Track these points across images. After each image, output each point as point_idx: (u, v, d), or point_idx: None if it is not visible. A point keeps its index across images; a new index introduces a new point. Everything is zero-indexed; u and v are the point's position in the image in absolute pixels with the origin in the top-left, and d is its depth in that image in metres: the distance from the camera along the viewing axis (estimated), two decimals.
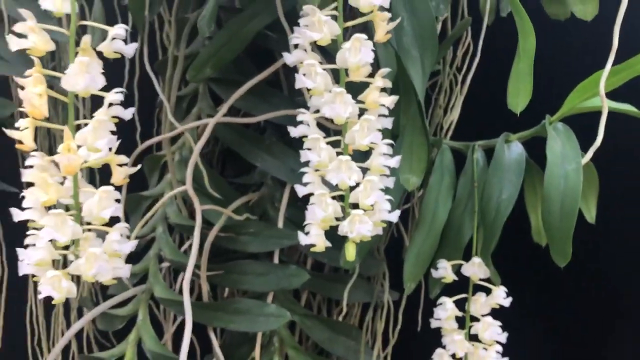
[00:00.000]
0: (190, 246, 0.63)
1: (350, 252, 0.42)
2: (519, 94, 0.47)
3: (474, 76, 0.66)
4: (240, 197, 0.60)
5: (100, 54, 0.38)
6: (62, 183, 0.38)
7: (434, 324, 0.56)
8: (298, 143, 0.59)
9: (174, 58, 0.60)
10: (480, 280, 0.55)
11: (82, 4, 0.61)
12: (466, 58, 0.65)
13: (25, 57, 0.60)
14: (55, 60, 0.67)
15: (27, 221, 0.37)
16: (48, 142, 0.72)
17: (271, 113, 0.55)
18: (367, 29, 0.43)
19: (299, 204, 0.62)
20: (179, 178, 0.59)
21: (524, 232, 0.64)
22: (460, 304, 0.56)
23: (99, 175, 0.63)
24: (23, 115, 0.37)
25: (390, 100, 0.40)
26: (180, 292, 0.59)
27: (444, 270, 0.56)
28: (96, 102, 0.39)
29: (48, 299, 0.72)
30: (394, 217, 0.41)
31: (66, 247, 0.37)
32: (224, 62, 0.55)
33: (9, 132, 0.37)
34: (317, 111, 0.41)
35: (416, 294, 0.68)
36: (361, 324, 0.70)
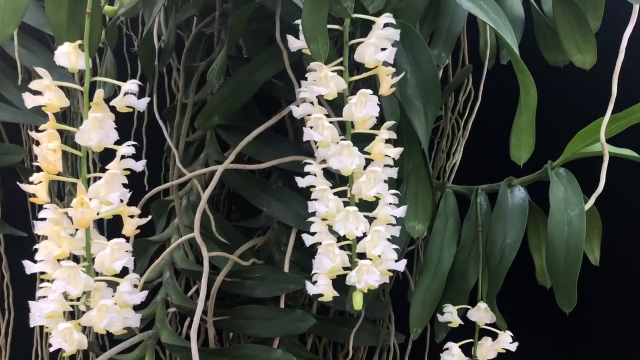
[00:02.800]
0: (196, 291, 0.64)
1: (357, 301, 0.42)
2: (521, 147, 0.48)
3: (475, 120, 0.68)
4: (246, 241, 0.61)
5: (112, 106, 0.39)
6: (73, 235, 0.39)
7: None
8: (304, 188, 0.61)
9: (182, 105, 0.62)
10: (486, 325, 0.56)
11: (94, 55, 0.62)
12: (467, 103, 0.67)
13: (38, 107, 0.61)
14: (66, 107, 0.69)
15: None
16: (57, 185, 0.73)
17: (278, 159, 0.56)
18: (372, 80, 0.45)
19: (305, 248, 0.63)
20: (187, 223, 0.60)
21: (528, 274, 0.64)
22: (467, 348, 0.56)
23: (106, 224, 0.64)
24: (36, 168, 0.38)
25: (396, 152, 0.41)
26: (187, 337, 0.59)
27: (450, 315, 0.56)
28: (105, 151, 0.40)
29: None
30: (401, 266, 0.42)
31: (77, 299, 0.38)
32: (232, 111, 0.57)
33: (24, 187, 0.38)
34: (324, 161, 0.42)
35: (422, 337, 0.68)
36: None
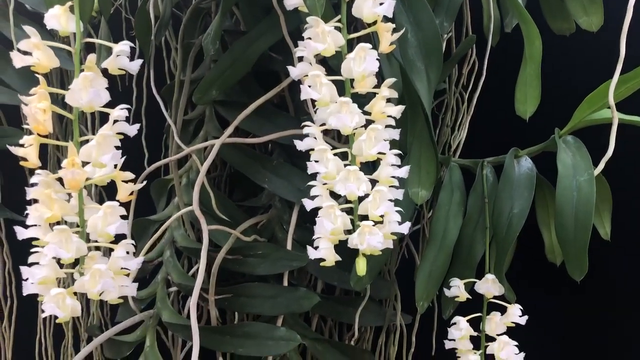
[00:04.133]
0: (197, 270, 0.62)
1: (360, 267, 0.41)
2: (526, 100, 0.47)
3: (479, 94, 0.66)
4: (248, 220, 0.60)
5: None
6: (67, 201, 0.38)
7: (448, 344, 0.55)
8: (304, 164, 0.59)
9: (180, 83, 0.60)
10: (495, 298, 0.54)
11: (89, 29, 0.61)
12: (472, 76, 0.65)
13: (33, 86, 0.61)
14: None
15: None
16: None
17: (278, 133, 0.55)
18: (370, 42, 0.43)
19: (308, 226, 0.62)
20: (187, 201, 0.59)
21: (538, 252, 0.63)
22: (475, 324, 0.55)
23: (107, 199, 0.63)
24: (27, 131, 0.37)
25: (397, 110, 0.40)
26: (189, 317, 0.58)
27: (457, 289, 0.54)
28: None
29: (58, 331, 0.72)
30: (405, 228, 0.40)
31: (71, 265, 0.37)
32: (230, 84, 0.55)
33: (13, 149, 0.37)
34: (323, 124, 0.41)
35: (429, 317, 0.66)
36: (374, 349, 0.68)
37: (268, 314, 0.57)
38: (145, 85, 0.69)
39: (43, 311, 0.35)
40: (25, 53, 0.37)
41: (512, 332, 0.54)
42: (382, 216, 0.39)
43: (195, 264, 0.65)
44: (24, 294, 0.37)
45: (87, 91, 0.36)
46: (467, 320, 0.54)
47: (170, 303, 0.58)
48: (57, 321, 0.35)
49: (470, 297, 0.54)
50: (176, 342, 0.64)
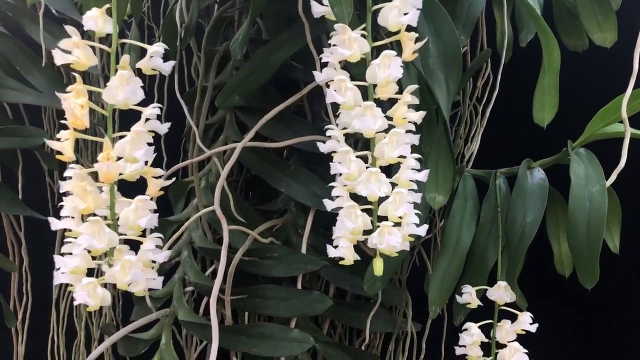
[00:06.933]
0: (213, 271, 0.64)
1: (378, 267, 0.42)
2: (544, 108, 0.48)
3: (492, 107, 0.68)
4: (264, 223, 0.61)
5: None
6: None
7: (458, 351, 0.56)
8: (321, 169, 0.61)
9: (202, 88, 0.62)
10: (506, 305, 0.55)
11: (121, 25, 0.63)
12: (486, 89, 0.67)
13: (57, 88, 0.63)
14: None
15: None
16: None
17: (297, 138, 0.56)
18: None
19: (322, 231, 0.63)
20: (206, 203, 0.60)
21: (547, 264, 0.64)
22: (485, 330, 0.55)
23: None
24: (64, 127, 0.38)
25: (418, 116, 0.41)
26: (204, 315, 0.59)
27: (469, 296, 0.55)
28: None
29: (70, 329, 0.73)
30: (422, 231, 0.42)
31: (101, 256, 0.38)
32: (251, 90, 0.57)
33: (50, 143, 0.38)
34: (344, 128, 0.42)
35: (439, 325, 0.67)
36: (383, 355, 0.69)
37: (282, 316, 0.58)
38: (167, 91, 0.71)
39: (74, 299, 0.36)
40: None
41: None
42: (400, 217, 0.41)
43: (211, 265, 0.66)
44: (55, 283, 0.38)
45: (124, 89, 0.37)
46: (478, 328, 0.55)
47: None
48: (87, 309, 0.36)
49: (482, 304, 0.55)
50: (189, 341, 0.65)
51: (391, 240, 0.39)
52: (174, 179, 0.51)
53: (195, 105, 0.62)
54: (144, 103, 0.41)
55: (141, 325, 0.58)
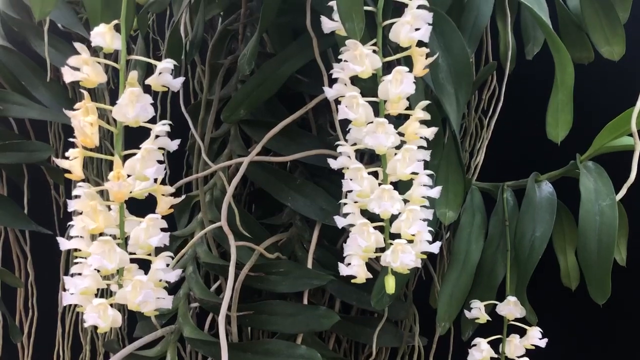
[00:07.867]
0: (219, 286, 0.63)
1: (390, 285, 0.42)
2: (558, 125, 0.48)
3: (497, 119, 0.67)
4: (269, 237, 0.60)
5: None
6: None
7: None
8: (326, 183, 0.60)
9: (206, 102, 0.62)
10: (515, 320, 0.55)
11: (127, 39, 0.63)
12: (492, 102, 0.67)
13: (63, 103, 0.62)
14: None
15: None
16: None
17: (304, 152, 0.56)
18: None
19: (328, 245, 0.63)
20: (211, 217, 0.60)
21: (553, 276, 0.63)
22: (494, 345, 0.55)
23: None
24: (73, 145, 0.38)
25: (430, 132, 0.41)
26: (209, 331, 0.58)
27: (478, 311, 0.55)
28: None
29: (76, 344, 0.72)
30: (435, 248, 0.41)
31: (110, 276, 0.37)
32: (258, 103, 0.57)
33: (59, 162, 0.37)
34: (354, 144, 0.42)
35: (445, 340, 0.67)
36: None
37: (289, 332, 0.57)
38: (169, 105, 0.71)
39: (84, 321, 0.36)
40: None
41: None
42: (413, 235, 0.40)
43: (215, 280, 0.65)
44: (64, 304, 0.37)
45: (134, 106, 0.37)
46: (487, 342, 0.54)
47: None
48: (98, 331, 0.36)
49: (490, 319, 0.55)
50: (194, 357, 0.64)
51: (405, 259, 0.39)
52: (183, 196, 0.50)
53: (200, 118, 0.62)
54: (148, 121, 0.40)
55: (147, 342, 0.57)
